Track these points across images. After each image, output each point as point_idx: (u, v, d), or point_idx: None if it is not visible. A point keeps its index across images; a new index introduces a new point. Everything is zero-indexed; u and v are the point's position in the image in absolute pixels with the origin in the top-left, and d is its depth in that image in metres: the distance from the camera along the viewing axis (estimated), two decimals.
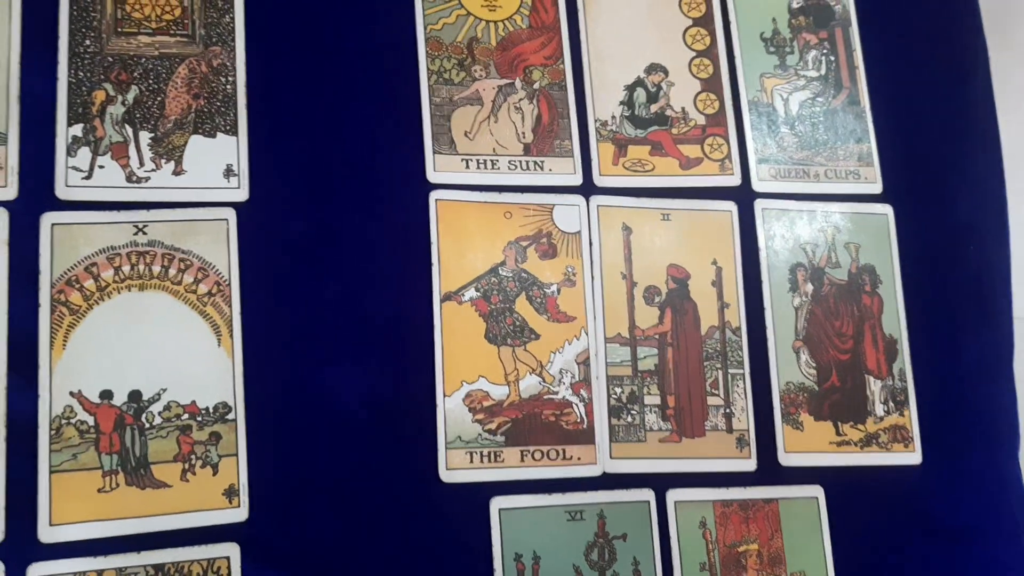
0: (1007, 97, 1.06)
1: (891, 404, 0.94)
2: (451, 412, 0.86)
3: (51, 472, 0.77)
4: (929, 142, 1.02)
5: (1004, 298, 1.00)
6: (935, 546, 0.93)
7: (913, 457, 0.94)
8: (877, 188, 1.00)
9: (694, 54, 1.00)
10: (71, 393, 0.79)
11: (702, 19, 1.02)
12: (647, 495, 0.88)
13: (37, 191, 0.82)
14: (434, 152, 0.92)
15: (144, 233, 0.83)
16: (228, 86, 0.88)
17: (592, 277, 0.92)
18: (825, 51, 1.03)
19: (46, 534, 0.76)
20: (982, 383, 0.98)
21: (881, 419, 0.94)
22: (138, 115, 0.86)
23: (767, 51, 1.02)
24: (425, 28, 0.95)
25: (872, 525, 0.92)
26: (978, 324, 0.99)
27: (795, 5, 1.04)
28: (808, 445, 0.92)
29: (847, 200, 0.99)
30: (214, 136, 0.87)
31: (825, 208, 0.98)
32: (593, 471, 0.88)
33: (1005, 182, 1.02)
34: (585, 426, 0.89)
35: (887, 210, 0.99)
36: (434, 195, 0.91)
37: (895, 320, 0.96)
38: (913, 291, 0.97)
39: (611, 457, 0.88)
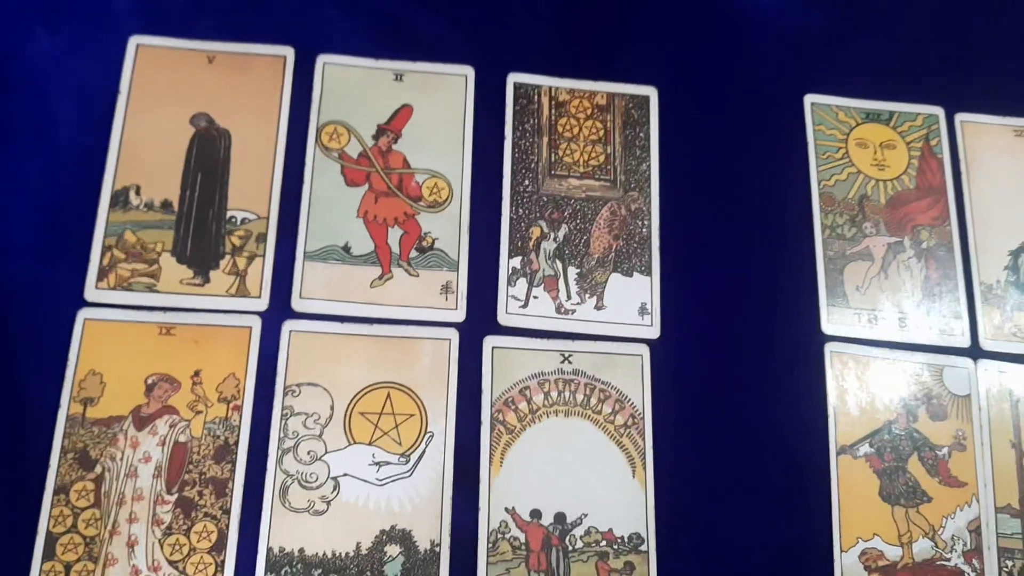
0: None
1: None
2: (848, 568, 0.87)
3: None
4: None
5: None
6: None
7: None
8: None
9: None
10: (506, 509, 0.84)
11: None
12: None
13: (481, 315, 0.89)
14: (828, 304, 0.95)
15: (569, 362, 0.89)
16: (644, 229, 0.95)
17: (981, 443, 0.92)
18: None
19: None
20: None
21: None
22: (567, 251, 0.93)
23: None
24: (819, 184, 1.00)
25: None
26: None
27: None
28: None
29: None
30: (631, 275, 0.93)
31: None
32: None
33: None
34: None
35: None
36: (829, 347, 0.93)
37: None
38: None
39: None
